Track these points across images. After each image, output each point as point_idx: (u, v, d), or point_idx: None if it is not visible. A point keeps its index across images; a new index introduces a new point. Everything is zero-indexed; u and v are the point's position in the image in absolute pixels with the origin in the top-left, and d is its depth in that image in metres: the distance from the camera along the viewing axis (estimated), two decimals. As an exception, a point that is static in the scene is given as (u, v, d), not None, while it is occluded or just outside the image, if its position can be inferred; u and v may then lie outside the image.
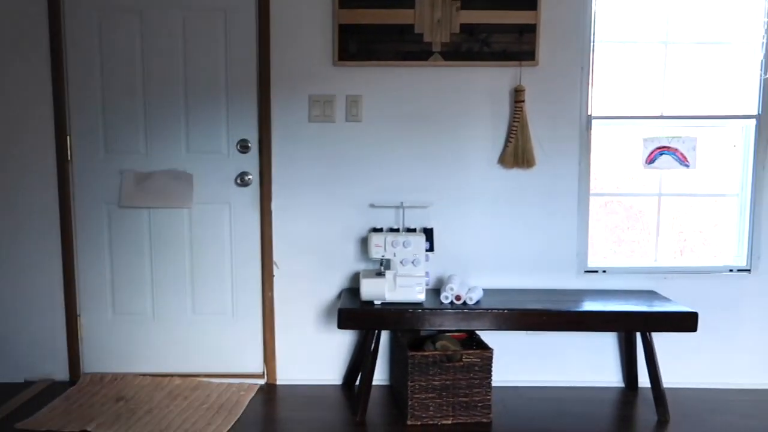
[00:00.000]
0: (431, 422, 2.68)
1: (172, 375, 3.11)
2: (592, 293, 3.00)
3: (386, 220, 3.05)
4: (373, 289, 2.70)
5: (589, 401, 2.96)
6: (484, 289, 3.02)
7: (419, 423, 2.67)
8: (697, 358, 3.14)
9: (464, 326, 2.75)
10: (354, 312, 2.68)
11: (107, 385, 3.02)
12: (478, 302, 2.79)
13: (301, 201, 3.06)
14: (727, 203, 3.18)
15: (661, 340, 3.11)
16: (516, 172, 3.04)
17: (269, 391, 3.06)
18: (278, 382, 3.15)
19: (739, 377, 3.13)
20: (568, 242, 3.08)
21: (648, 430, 2.70)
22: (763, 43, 2.97)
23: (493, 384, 3.00)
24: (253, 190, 3.06)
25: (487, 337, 3.10)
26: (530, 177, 3.05)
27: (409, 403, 2.66)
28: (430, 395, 2.67)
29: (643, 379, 3.13)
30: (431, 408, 2.67)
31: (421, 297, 2.73)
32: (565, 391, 3.08)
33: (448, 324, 2.74)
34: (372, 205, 3.05)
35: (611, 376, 3.16)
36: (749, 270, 3.10)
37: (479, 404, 2.70)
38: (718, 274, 3.10)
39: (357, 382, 3.07)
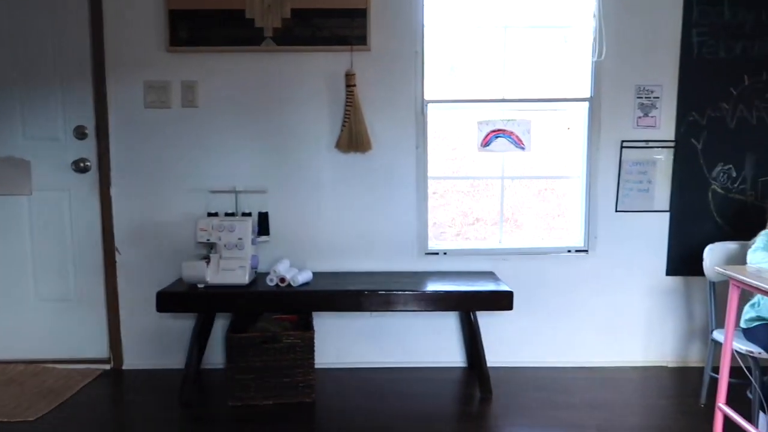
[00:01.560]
0: (253, 402, 2.71)
1: (17, 362, 3.13)
2: (425, 275, 3.04)
3: (226, 204, 3.07)
4: (192, 272, 2.72)
5: (424, 380, 3.01)
6: (326, 272, 3.06)
7: (240, 404, 2.71)
8: (539, 338, 3.20)
9: (288, 308, 2.79)
10: (173, 295, 2.71)
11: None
12: (305, 284, 2.83)
13: (141, 187, 3.07)
14: (569, 185, 3.24)
15: (502, 319, 3.18)
16: (353, 156, 3.07)
17: (113, 376, 3.09)
18: (124, 367, 3.17)
19: (578, 355, 3.20)
20: (408, 225, 3.12)
21: (467, 406, 2.75)
22: (594, 27, 3.01)
23: (334, 365, 3.06)
24: (92, 176, 3.06)
25: (330, 318, 3.17)
26: (368, 161, 3.08)
27: (230, 384, 2.70)
28: (251, 376, 2.70)
29: (489, 358, 3.21)
30: (252, 389, 2.71)
31: (243, 280, 2.76)
32: (407, 371, 3.13)
33: (273, 306, 2.78)
34: (211, 191, 3.07)
35: (456, 356, 3.22)
36: (587, 251, 3.16)
37: (301, 384, 2.74)
38: (557, 255, 3.16)
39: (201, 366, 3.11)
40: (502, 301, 2.74)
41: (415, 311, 2.91)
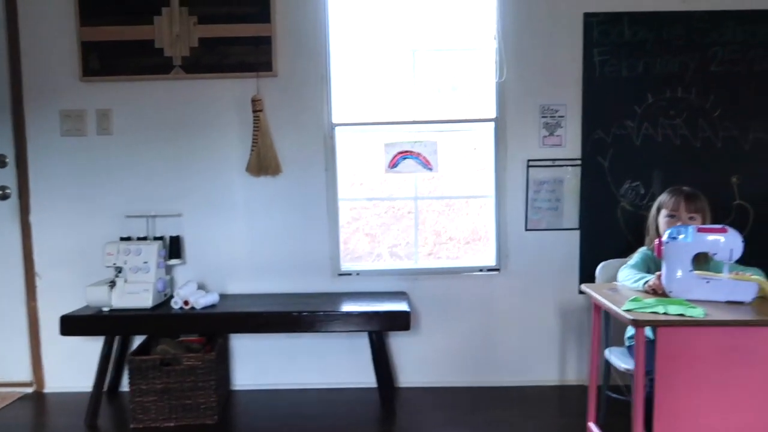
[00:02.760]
0: (154, 425, 2.75)
1: (-60, 385, 3.20)
2: (334, 296, 3.08)
3: (143, 229, 3.14)
4: (95, 297, 2.79)
5: (334, 402, 3.03)
6: (240, 294, 3.12)
7: (141, 426, 2.75)
8: (453, 357, 3.20)
9: (191, 330, 2.84)
10: (77, 319, 2.77)
11: None
12: (210, 307, 2.88)
13: (59, 213, 3.15)
14: (482, 205, 3.27)
15: (416, 339, 3.21)
16: (265, 180, 3.13)
17: (33, 399, 3.14)
18: (46, 390, 3.23)
19: (492, 374, 3.20)
20: (321, 247, 3.17)
21: (368, 426, 2.76)
22: (496, 49, 3.07)
23: (251, 387, 3.11)
24: (12, 203, 3.15)
25: (247, 340, 3.20)
26: (279, 184, 3.14)
27: (131, 406, 2.74)
28: (152, 398, 2.74)
29: (402, 378, 3.23)
30: (153, 411, 2.74)
31: (147, 303, 2.82)
32: (322, 392, 3.15)
33: (176, 328, 2.83)
34: (127, 215, 3.14)
35: (373, 377, 3.23)
36: (499, 269, 3.18)
37: (203, 406, 2.77)
38: (470, 274, 3.19)
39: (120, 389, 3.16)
40: (398, 321, 2.77)
41: (313, 332, 2.95)
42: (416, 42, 3.15)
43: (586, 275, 3.13)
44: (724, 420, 1.72)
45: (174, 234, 3.12)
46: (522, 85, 3.08)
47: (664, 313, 1.76)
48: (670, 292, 1.96)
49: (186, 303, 2.84)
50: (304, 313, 2.78)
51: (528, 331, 3.19)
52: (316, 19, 3.05)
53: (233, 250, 3.18)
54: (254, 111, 3.03)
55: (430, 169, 3.14)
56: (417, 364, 3.22)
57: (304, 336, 3.20)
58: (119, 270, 2.89)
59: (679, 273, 1.93)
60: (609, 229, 3.12)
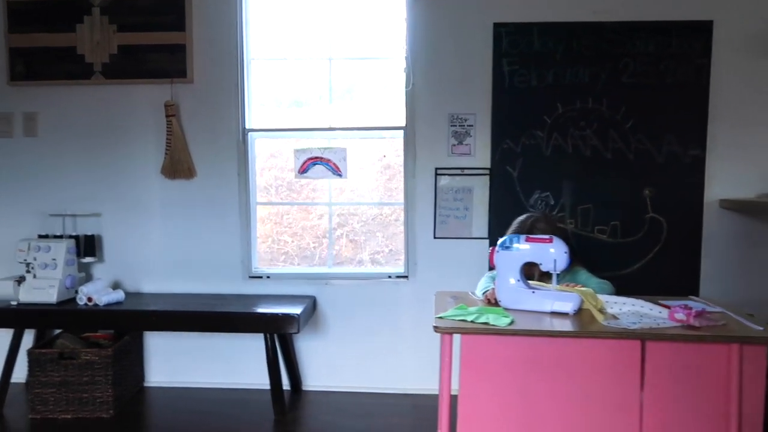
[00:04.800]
0: (51, 416, 2.84)
1: None
2: (241, 297, 3.14)
3: (65, 227, 3.26)
4: (3, 291, 2.91)
5: (238, 402, 3.08)
6: (152, 293, 3.22)
7: (39, 417, 2.84)
8: (358, 362, 3.22)
9: (93, 326, 2.95)
10: (-18, 312, 2.90)
11: None
12: (114, 304, 2.97)
13: (-13, 211, 3.31)
14: (393, 212, 3.28)
15: (325, 343, 3.24)
16: (180, 183, 3.22)
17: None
18: (-30, 381, 3.37)
19: (397, 381, 3.20)
20: (233, 249, 3.23)
21: (254, 428, 2.80)
22: (405, 57, 3.09)
23: (165, 384, 3.24)
24: (-56, 201, 3.31)
25: (159, 338, 3.28)
26: (194, 187, 3.22)
27: (30, 397, 2.85)
28: (50, 390, 2.84)
29: (310, 382, 3.26)
30: (51, 402, 2.84)
31: (52, 298, 2.92)
32: (232, 392, 3.20)
33: (81, 323, 2.94)
34: (50, 214, 3.26)
35: (283, 379, 3.27)
36: (407, 277, 3.19)
37: (99, 400, 2.86)
38: (379, 280, 3.20)
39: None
40: (288, 324, 2.81)
41: (207, 331, 3.03)
42: (332, 50, 3.21)
43: (493, 285, 3.12)
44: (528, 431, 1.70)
45: (93, 233, 3.23)
46: (431, 94, 3.10)
47: (471, 321, 1.76)
48: (500, 301, 1.95)
49: (90, 300, 2.93)
50: (197, 313, 2.85)
51: (433, 340, 3.16)
52: (230, 28, 3.13)
53: (149, 251, 3.27)
54: (167, 116, 3.12)
55: (340, 175, 3.18)
56: (324, 368, 3.24)
57: (217, 336, 3.26)
58: (29, 266, 3.01)
59: (509, 282, 1.92)
60: (517, 240, 3.10)
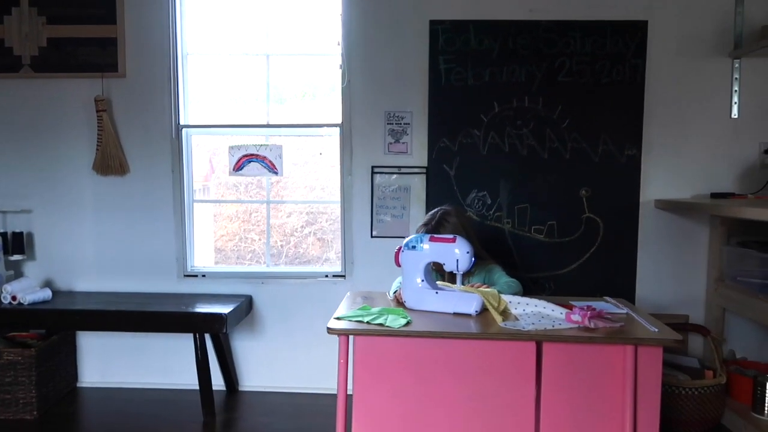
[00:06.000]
0: (-27, 418, 2.78)
1: None
2: (176, 296, 3.08)
3: (-6, 224, 3.19)
4: None
5: (170, 402, 3.03)
6: (85, 292, 3.15)
7: (-41, 419, 2.78)
8: (295, 362, 3.18)
9: (18, 325, 2.88)
10: None
11: None
12: (41, 303, 2.90)
13: None
14: (330, 210, 3.25)
15: (262, 344, 3.20)
16: (113, 179, 3.15)
17: None
18: None
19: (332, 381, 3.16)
20: (168, 247, 3.18)
21: (179, 429, 2.76)
22: (341, 54, 3.05)
23: (96, 384, 3.22)
24: None
25: (93, 338, 3.22)
26: (127, 183, 3.15)
27: (-51, 399, 2.78)
28: (-30, 392, 2.78)
29: (246, 382, 3.22)
30: (-28, 404, 2.78)
31: (-27, 297, 2.85)
32: (165, 392, 3.15)
33: (5, 322, 2.86)
34: (-21, 211, 3.19)
35: (219, 380, 3.22)
36: (344, 276, 3.15)
37: (22, 401, 2.79)
38: (315, 280, 3.16)
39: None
40: (216, 324, 2.76)
41: (136, 332, 2.99)
42: (269, 47, 3.16)
43: (429, 285, 3.09)
44: (422, 435, 1.68)
45: (22, 230, 3.15)
46: (368, 92, 3.06)
47: (367, 323, 1.73)
48: (405, 301, 1.92)
49: (14, 298, 2.86)
50: (124, 312, 2.79)
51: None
52: (163, 22, 3.07)
53: (82, 248, 3.20)
54: (98, 111, 3.05)
55: (276, 173, 3.13)
56: (261, 368, 3.20)
57: (152, 335, 3.20)
58: (-44, 264, 2.94)
59: (414, 283, 1.89)
60: (454, 239, 3.08)
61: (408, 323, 1.72)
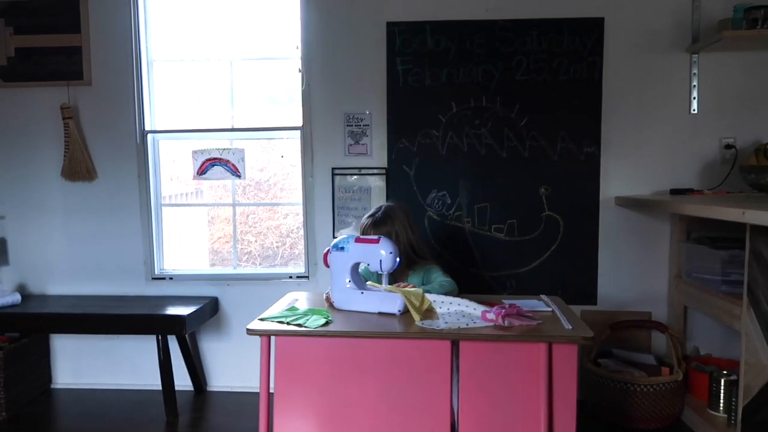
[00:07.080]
0: (-57, 420, 2.87)
1: None
2: (144, 299, 3.15)
3: (-32, 230, 3.28)
4: None
5: (139, 404, 3.08)
6: (59, 296, 3.23)
7: (-70, 420, 2.87)
8: (254, 363, 3.20)
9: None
10: None
11: None
12: (9, 306, 2.98)
13: None
14: (296, 212, 3.28)
15: (232, 345, 3.25)
16: (81, 185, 3.22)
17: None
18: None
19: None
20: (135, 250, 3.24)
21: (150, 428, 2.82)
22: (301, 57, 3.09)
23: (70, 385, 3.31)
24: None
25: (66, 340, 3.30)
26: (94, 189, 3.22)
27: None
28: (-60, 393, 2.86)
29: (214, 382, 3.28)
30: (-59, 405, 2.86)
31: (-56, 302, 2.94)
32: (135, 393, 3.22)
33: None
34: (-47, 217, 3.28)
35: (187, 380, 3.27)
36: (308, 277, 3.19)
37: (-9, 403, 2.88)
38: (278, 281, 3.20)
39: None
40: (176, 326, 2.81)
41: (101, 334, 3.07)
42: (231, 52, 3.20)
43: (390, 284, 3.12)
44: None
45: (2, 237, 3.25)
46: (327, 94, 3.09)
47: (287, 323, 1.76)
48: (333, 302, 1.95)
49: (-18, 302, 2.95)
50: (90, 315, 2.86)
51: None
52: (126, 29, 3.12)
53: (54, 253, 3.27)
54: (64, 119, 3.13)
55: (239, 176, 3.18)
56: (228, 368, 3.26)
57: (123, 337, 3.27)
58: (-74, 269, 3.03)
59: (342, 283, 1.92)
60: (415, 239, 3.10)
61: (327, 323, 1.75)
